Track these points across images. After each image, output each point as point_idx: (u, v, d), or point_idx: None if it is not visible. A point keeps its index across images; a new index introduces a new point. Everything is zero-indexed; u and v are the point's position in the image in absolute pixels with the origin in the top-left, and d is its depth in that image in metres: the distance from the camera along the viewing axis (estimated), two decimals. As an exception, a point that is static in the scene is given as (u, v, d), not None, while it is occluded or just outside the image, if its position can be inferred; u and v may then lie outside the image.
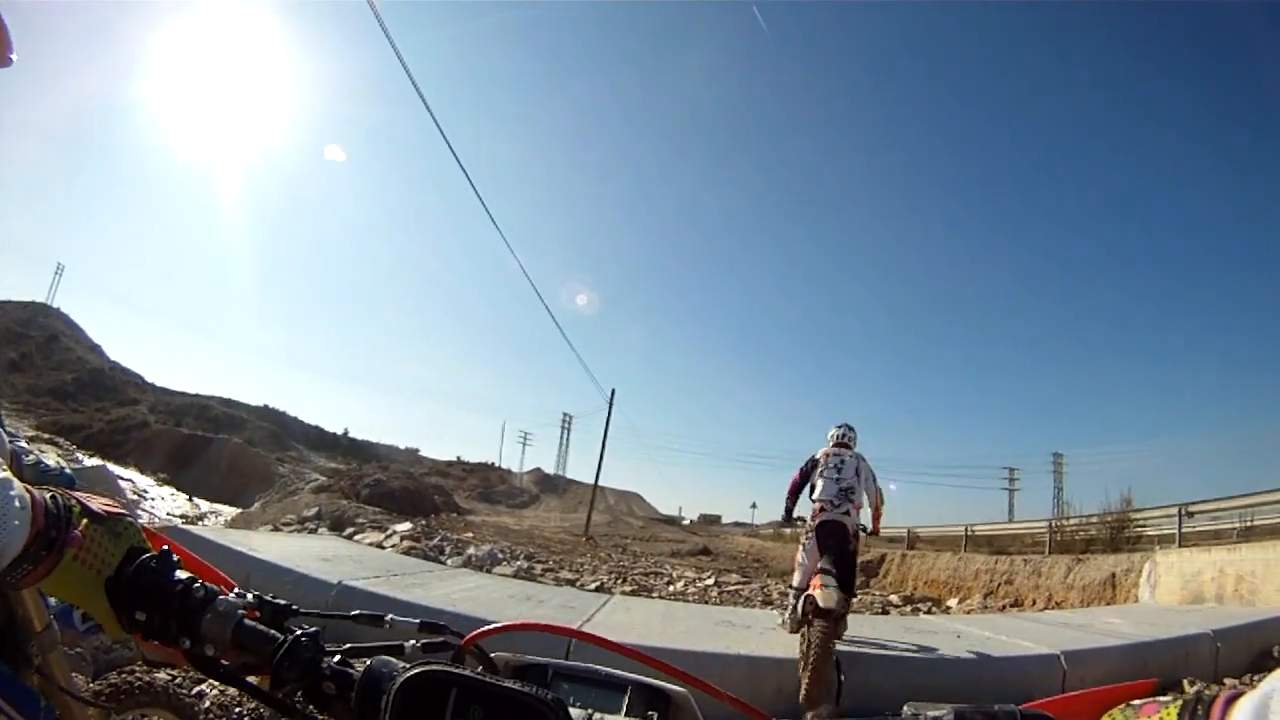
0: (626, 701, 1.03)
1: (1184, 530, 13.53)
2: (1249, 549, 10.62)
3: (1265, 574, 9.77)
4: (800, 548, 6.35)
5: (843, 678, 3.97)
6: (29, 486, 0.79)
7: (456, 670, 0.72)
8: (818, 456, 6.67)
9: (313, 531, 16.85)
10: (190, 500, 28.77)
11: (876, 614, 12.07)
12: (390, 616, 1.02)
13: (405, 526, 18.28)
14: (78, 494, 0.86)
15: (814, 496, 6.41)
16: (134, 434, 42.54)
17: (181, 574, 0.84)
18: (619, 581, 14.43)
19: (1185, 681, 6.40)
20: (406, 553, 13.15)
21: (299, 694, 0.80)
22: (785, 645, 5.62)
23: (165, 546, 0.88)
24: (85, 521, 0.82)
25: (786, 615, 6.24)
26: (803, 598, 5.52)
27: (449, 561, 13.35)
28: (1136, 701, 0.64)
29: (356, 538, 15.58)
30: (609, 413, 40.12)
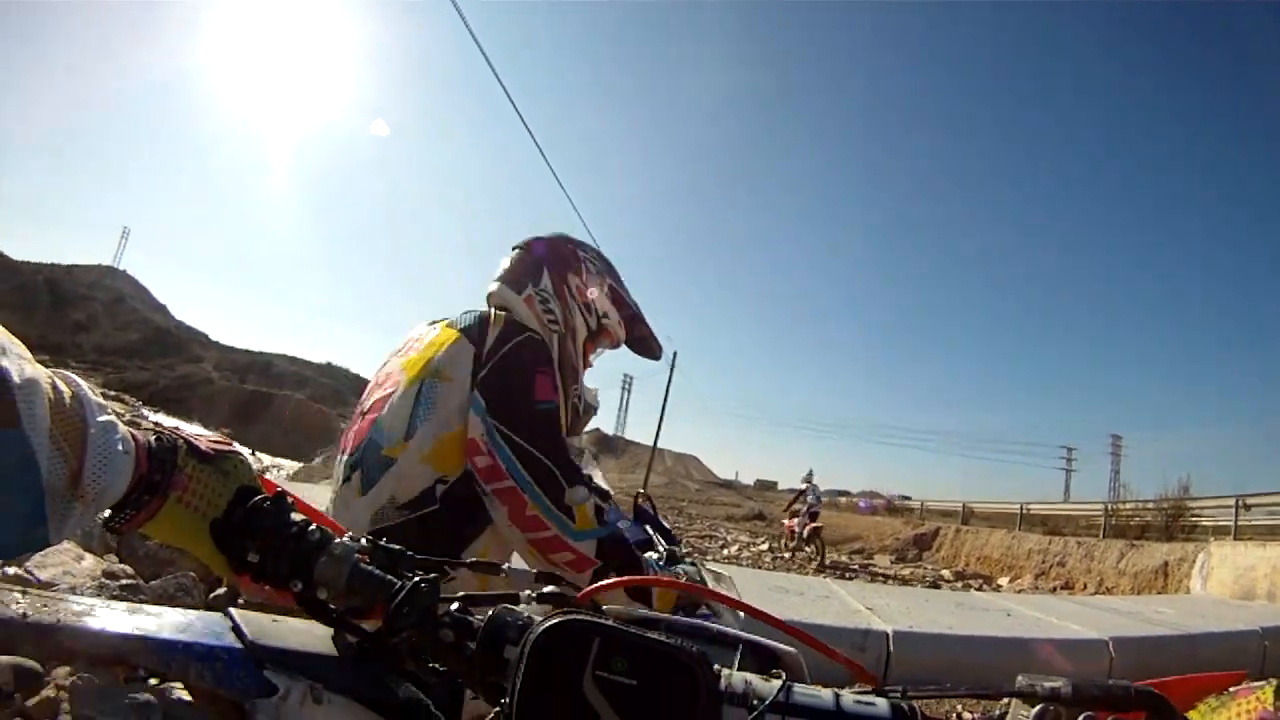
0: (738, 658, 0.98)
1: (1240, 522, 13.26)
2: (1306, 548, 10.42)
3: (1320, 575, 9.63)
4: (796, 517, 15.38)
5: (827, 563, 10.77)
6: (133, 430, 0.78)
7: (601, 620, 0.69)
8: (800, 487, 16.14)
9: (373, 486, 17.27)
10: (253, 455, 29.49)
11: (928, 587, 12.12)
12: (507, 565, 0.99)
13: (464, 483, 18.61)
14: (185, 433, 0.85)
15: (806, 500, 15.61)
16: (198, 390, 43.46)
17: (297, 516, 0.84)
18: (674, 546, 14.63)
19: (1231, 677, 6.41)
20: (465, 509, 13.38)
21: (411, 641, 0.78)
22: (837, 613, 5.73)
23: (280, 489, 0.87)
24: (192, 463, 0.82)
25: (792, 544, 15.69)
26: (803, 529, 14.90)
27: (507, 520, 13.65)
28: (1234, 688, 0.76)
29: (416, 493, 15.92)
30: (670, 375, 39.74)
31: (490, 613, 0.75)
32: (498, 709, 0.68)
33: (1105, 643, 5.99)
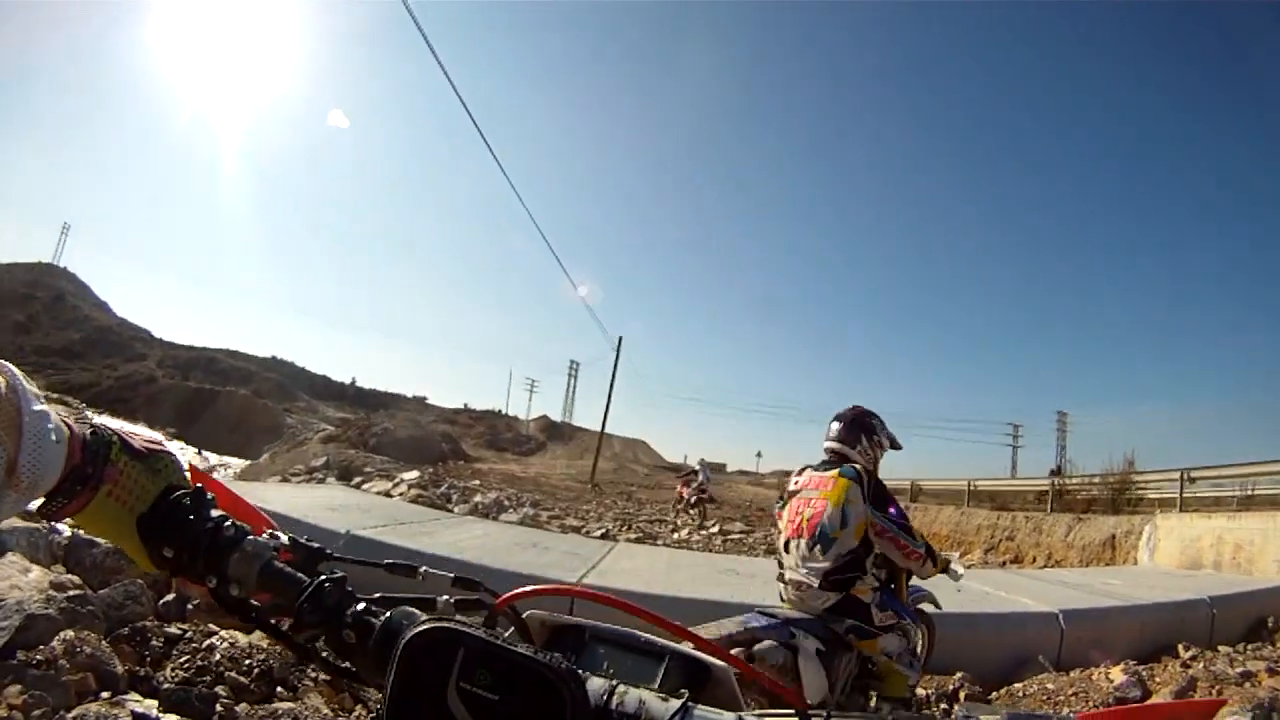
0: (663, 670, 0.95)
1: (1185, 495, 13.50)
2: (1249, 518, 10.62)
3: (1264, 544, 9.77)
4: (688, 488, 19.27)
5: None
6: (68, 420, 0.78)
7: (466, 629, 0.67)
8: (695, 467, 20.61)
9: (321, 481, 17.01)
10: (199, 454, 29.06)
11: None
12: (424, 569, 0.99)
13: (412, 475, 18.43)
14: (120, 430, 0.85)
15: (698, 478, 19.35)
16: (142, 389, 43.09)
17: (215, 512, 0.84)
18: (623, 529, 14.56)
19: (1180, 646, 6.46)
20: (414, 501, 13.20)
21: (321, 640, 0.80)
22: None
23: (199, 484, 0.88)
24: (125, 459, 0.82)
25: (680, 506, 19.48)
26: (693, 497, 19.00)
27: (456, 509, 13.46)
28: None
29: (364, 487, 15.71)
30: (616, 360, 39.92)
31: (388, 615, 0.77)
32: (377, 710, 0.73)
33: (1056, 615, 5.99)
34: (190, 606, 4.14)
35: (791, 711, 0.75)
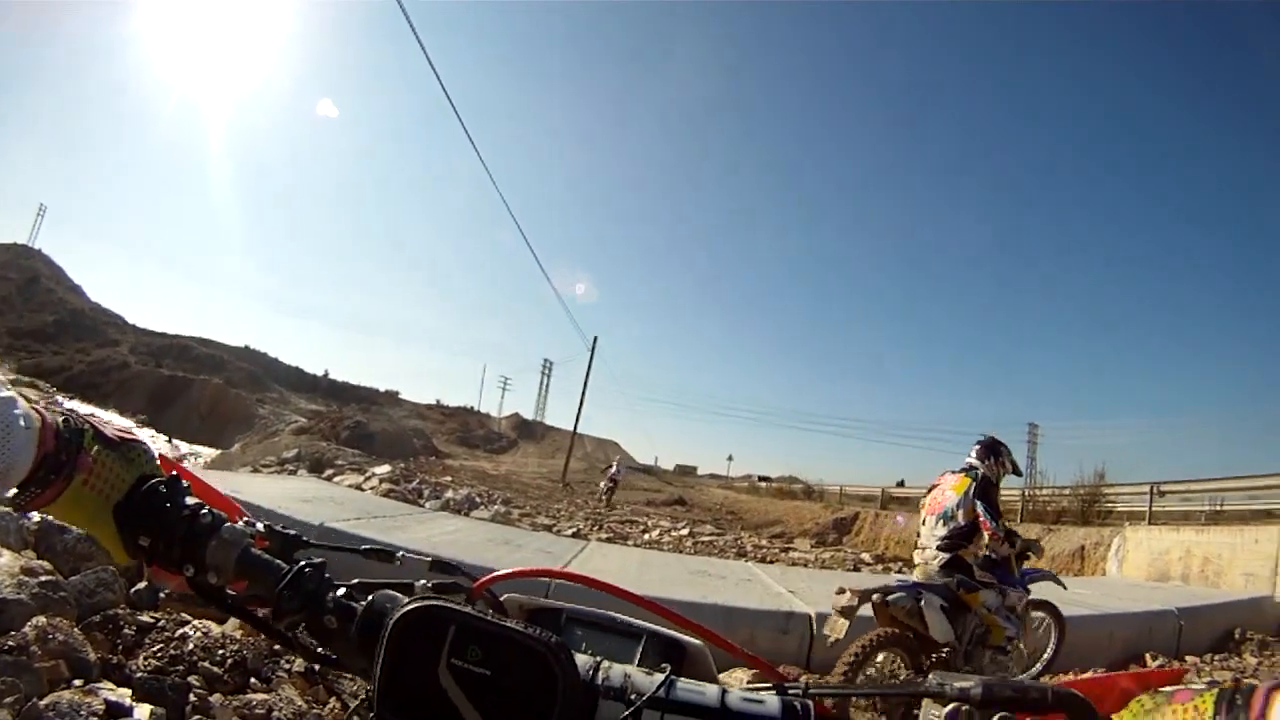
0: (640, 650, 0.99)
1: (1154, 509, 13.72)
2: (1217, 532, 10.82)
3: (1231, 558, 9.96)
4: (605, 481, 26.07)
5: None
6: (39, 408, 0.76)
7: (455, 606, 0.69)
8: (613, 463, 28.57)
9: (292, 473, 16.88)
10: (170, 442, 28.78)
11: (849, 570, 12.24)
12: (402, 553, 1.00)
13: (384, 469, 18.34)
14: (92, 419, 0.84)
15: (610, 472, 26.41)
16: (114, 375, 42.64)
17: (190, 500, 0.83)
18: (595, 529, 14.59)
19: (1148, 655, 6.53)
20: (385, 495, 13.18)
21: (301, 627, 0.79)
22: (759, 597, 5.72)
23: (174, 472, 0.86)
24: (97, 447, 0.80)
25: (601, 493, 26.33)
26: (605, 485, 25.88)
27: (427, 504, 13.39)
28: (1168, 688, 0.63)
29: (336, 479, 15.60)
30: (590, 360, 40.46)
31: (370, 598, 0.77)
32: (366, 692, 0.71)
33: (1026, 623, 5.96)
34: (162, 595, 4.10)
35: (770, 685, 0.78)
